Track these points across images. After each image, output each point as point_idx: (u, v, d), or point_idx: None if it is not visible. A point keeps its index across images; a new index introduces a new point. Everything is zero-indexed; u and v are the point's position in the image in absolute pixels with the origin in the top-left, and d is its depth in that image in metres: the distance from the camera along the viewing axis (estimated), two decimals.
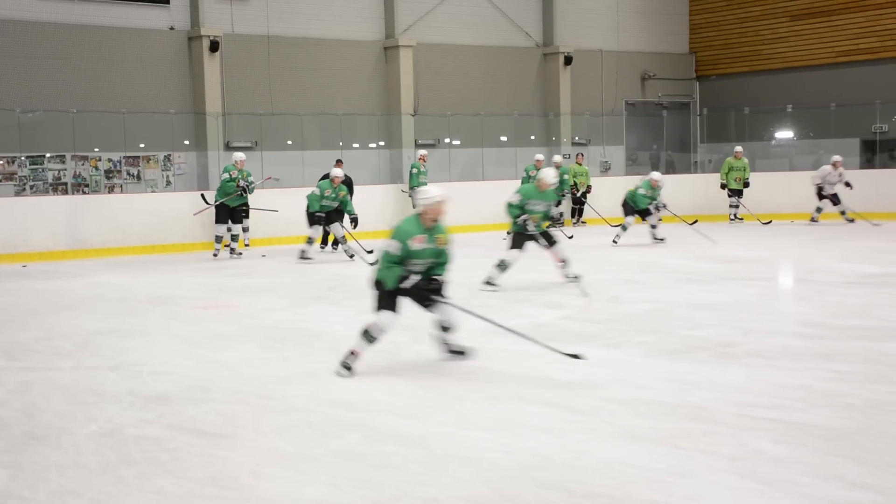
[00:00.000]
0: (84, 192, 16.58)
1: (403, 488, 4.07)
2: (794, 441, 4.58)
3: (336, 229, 13.57)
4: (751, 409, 5.13)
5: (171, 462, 4.48)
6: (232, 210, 14.31)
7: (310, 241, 13.39)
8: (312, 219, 13.37)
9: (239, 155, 14.60)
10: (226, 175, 14.30)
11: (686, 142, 23.43)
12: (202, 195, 15.35)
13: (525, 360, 6.54)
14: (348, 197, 13.61)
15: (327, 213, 13.36)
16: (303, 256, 13.21)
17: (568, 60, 21.76)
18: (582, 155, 19.78)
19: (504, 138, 21.17)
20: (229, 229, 14.42)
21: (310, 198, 13.40)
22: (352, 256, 13.25)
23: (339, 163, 15.23)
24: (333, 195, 13.33)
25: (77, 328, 8.27)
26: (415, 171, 17.45)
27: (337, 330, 7.85)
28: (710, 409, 5.15)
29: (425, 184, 17.32)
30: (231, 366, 6.61)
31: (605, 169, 22.01)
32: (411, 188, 17.24)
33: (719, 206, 18.79)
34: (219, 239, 14.33)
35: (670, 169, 22.80)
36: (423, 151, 17.86)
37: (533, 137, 21.68)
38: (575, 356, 6.21)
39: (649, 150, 23.26)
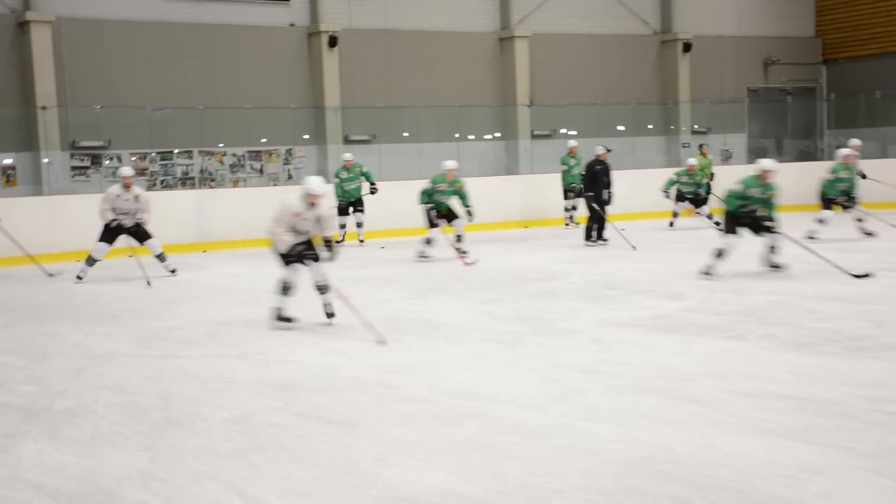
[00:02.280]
0: (210, 187, 17.17)
1: (526, 479, 4.07)
2: None
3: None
4: (887, 405, 4.93)
5: (299, 449, 4.60)
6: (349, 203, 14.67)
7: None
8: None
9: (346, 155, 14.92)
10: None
11: (811, 128, 22.61)
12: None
13: (645, 352, 6.45)
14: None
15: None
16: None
17: (687, 47, 21.32)
18: (707, 146, 19.27)
19: (621, 128, 20.87)
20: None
21: None
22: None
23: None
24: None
25: (205, 318, 8.56)
26: (565, 167, 16.04)
27: (456, 321, 7.91)
28: (843, 403, 4.97)
29: (578, 175, 15.68)
30: (353, 356, 6.73)
31: (727, 157, 21.45)
32: (569, 185, 16.10)
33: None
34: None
35: (797, 157, 22.03)
36: (572, 143, 16.42)
37: (651, 126, 21.32)
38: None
39: (773, 137, 22.55)
